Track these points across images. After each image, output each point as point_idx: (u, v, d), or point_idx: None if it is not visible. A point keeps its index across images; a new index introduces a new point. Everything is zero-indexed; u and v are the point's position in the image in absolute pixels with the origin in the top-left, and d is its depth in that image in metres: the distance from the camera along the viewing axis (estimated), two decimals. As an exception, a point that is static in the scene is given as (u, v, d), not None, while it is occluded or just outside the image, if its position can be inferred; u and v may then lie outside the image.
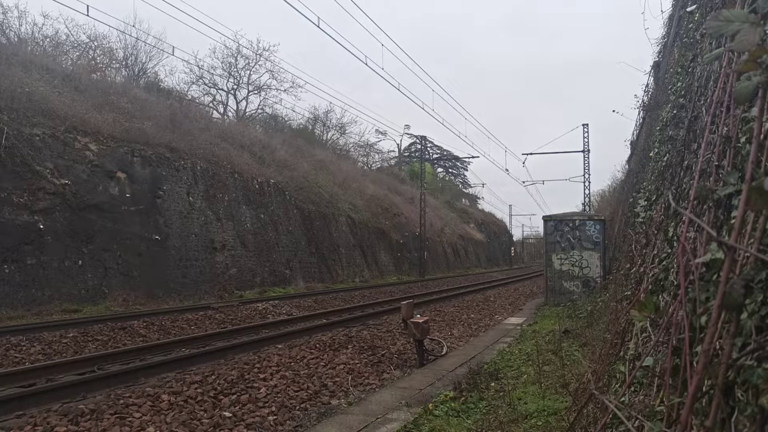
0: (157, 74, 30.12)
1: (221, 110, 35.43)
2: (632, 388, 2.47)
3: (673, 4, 9.74)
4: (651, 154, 7.61)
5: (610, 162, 56.09)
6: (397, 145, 60.54)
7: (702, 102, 3.64)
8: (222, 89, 35.48)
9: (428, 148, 59.98)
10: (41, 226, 12.92)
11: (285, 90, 36.92)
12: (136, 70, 28.53)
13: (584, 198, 32.75)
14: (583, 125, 32.28)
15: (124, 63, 28.11)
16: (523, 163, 52.40)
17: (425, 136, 54.48)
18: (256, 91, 36.38)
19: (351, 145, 49.13)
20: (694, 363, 1.25)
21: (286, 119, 39.92)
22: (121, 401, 5.42)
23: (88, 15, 15.89)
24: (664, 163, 5.31)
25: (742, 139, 1.82)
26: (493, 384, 5.78)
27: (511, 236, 73.58)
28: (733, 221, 1.48)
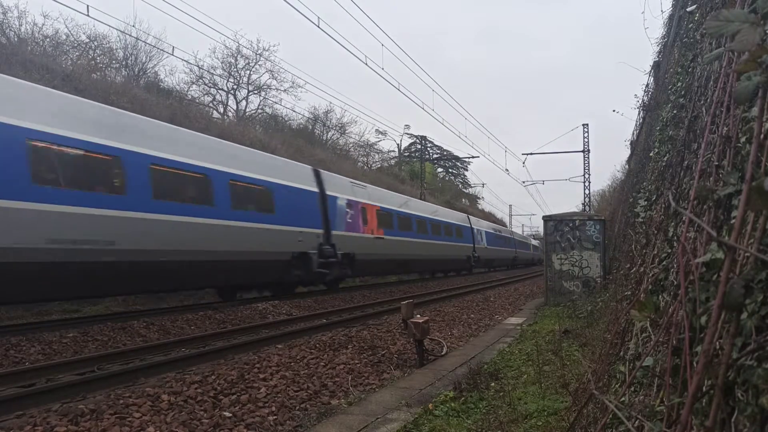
0: (157, 74, 30.19)
1: (221, 110, 35.50)
2: (632, 388, 2.47)
3: (673, 4, 9.75)
4: (651, 154, 7.62)
5: (610, 162, 56.15)
6: (397, 145, 60.54)
7: (702, 102, 3.64)
8: (222, 89, 35.54)
9: (428, 148, 60.07)
10: (41, 226, 12.90)
11: (285, 90, 36.92)
12: (136, 70, 28.57)
13: (584, 198, 32.80)
14: (583, 125, 32.37)
15: (124, 63, 28.16)
16: (523, 163, 52.44)
17: (425, 136, 54.58)
18: (256, 91, 36.45)
19: (351, 145, 49.17)
20: (694, 363, 1.25)
21: (286, 119, 39.96)
22: (121, 401, 5.41)
23: (88, 15, 15.89)
24: (664, 163, 5.32)
25: (742, 139, 1.82)
26: (493, 384, 5.79)
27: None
28: (733, 221, 1.48)
